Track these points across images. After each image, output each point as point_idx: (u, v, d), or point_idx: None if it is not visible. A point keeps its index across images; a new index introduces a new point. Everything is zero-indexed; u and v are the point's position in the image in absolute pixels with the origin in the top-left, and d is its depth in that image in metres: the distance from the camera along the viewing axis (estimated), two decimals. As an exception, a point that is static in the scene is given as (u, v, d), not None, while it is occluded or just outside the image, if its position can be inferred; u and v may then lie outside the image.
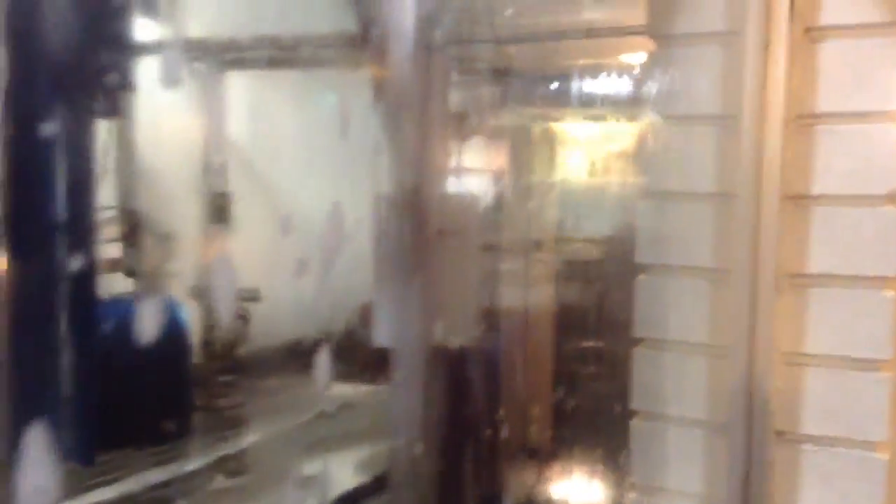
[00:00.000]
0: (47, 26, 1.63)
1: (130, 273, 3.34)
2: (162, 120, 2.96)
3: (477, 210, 3.00)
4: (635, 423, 1.87)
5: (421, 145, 2.46)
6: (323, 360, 2.72)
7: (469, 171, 2.89)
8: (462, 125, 2.68)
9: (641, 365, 1.86)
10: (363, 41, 2.55)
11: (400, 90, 2.33)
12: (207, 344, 3.76)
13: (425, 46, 2.32)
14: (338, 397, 3.42)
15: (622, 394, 1.90)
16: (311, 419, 3.44)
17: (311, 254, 2.91)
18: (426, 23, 2.28)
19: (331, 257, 3.05)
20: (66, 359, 1.92)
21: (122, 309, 2.80)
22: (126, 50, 2.35)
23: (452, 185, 2.75)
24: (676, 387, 1.82)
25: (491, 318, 3.06)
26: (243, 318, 3.86)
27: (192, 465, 3.28)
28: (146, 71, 2.43)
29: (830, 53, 1.70)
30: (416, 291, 2.40)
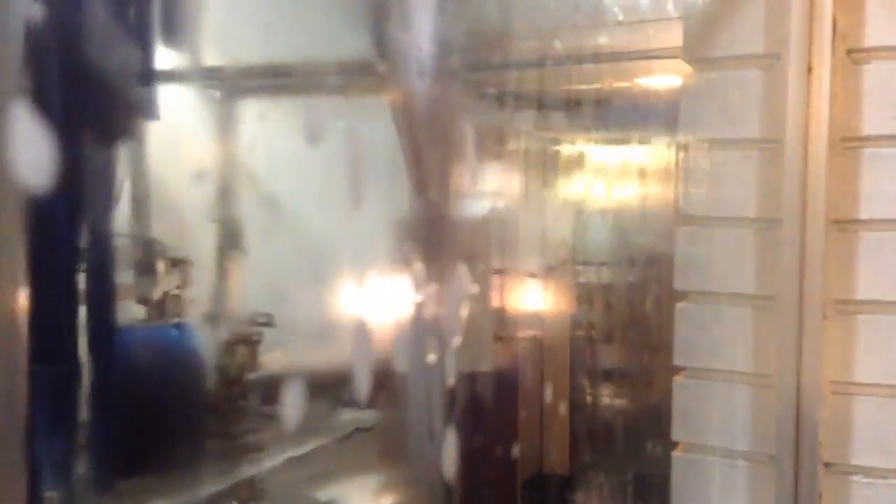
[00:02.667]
0: (68, 54, 1.60)
1: (143, 301, 3.30)
2: (176, 147, 2.93)
3: (499, 234, 2.97)
4: (677, 455, 1.83)
5: (442, 170, 2.43)
6: (337, 386, 2.67)
7: (492, 195, 2.87)
8: (486, 149, 2.65)
9: (682, 395, 1.82)
10: (380, 67, 2.52)
11: (417, 115, 2.31)
12: (221, 369, 3.71)
13: (445, 72, 2.29)
14: (353, 422, 3.38)
15: (662, 423, 1.86)
16: (327, 444, 3.40)
17: (327, 279, 2.88)
18: (445, 48, 2.25)
19: (347, 282, 3.02)
20: (84, 386, 1.88)
21: (138, 336, 2.76)
22: (146, 78, 2.32)
23: (474, 210, 2.72)
24: (720, 417, 1.77)
25: (515, 344, 3.03)
26: (257, 343, 3.81)
27: (207, 491, 3.23)
28: (162, 98, 2.41)
29: (874, 75, 1.67)
30: (434, 315, 2.36)
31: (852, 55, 1.67)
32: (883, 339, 1.65)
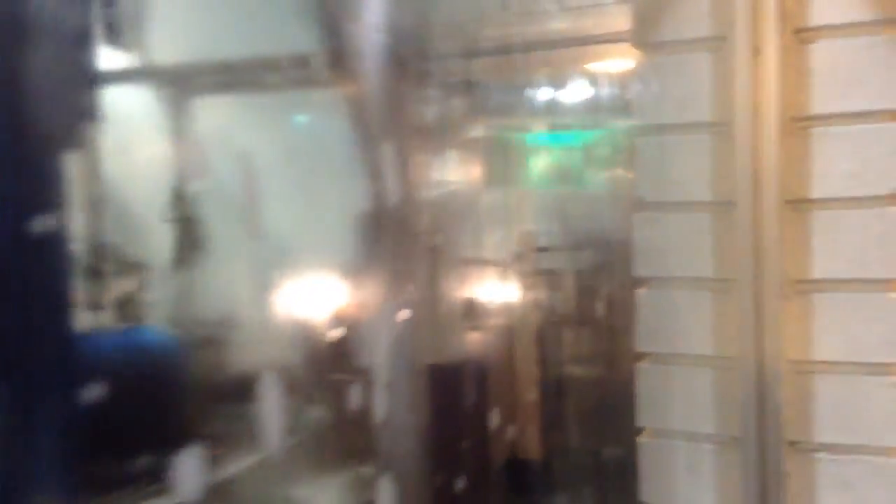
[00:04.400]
0: (14, 60, 1.56)
1: (95, 306, 3.25)
2: (128, 148, 2.88)
3: (459, 223, 2.96)
4: (643, 440, 1.83)
5: (398, 160, 2.41)
6: (306, 384, 2.65)
7: (449, 183, 2.85)
8: (441, 138, 2.63)
9: (646, 380, 1.82)
10: (332, 59, 2.49)
11: (371, 106, 2.29)
12: (185, 372, 3.67)
13: (396, 61, 2.27)
14: (321, 419, 3.36)
15: (625, 409, 1.86)
16: (296, 443, 3.37)
17: (288, 276, 2.85)
18: (396, 38, 2.23)
19: (308, 277, 2.99)
20: (45, 400, 1.84)
21: (100, 342, 2.71)
22: (92, 80, 2.27)
23: (431, 199, 2.70)
24: (684, 401, 1.78)
25: (479, 332, 3.02)
26: (220, 344, 3.77)
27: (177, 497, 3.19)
28: (112, 100, 2.36)
29: (822, 54, 1.67)
30: (400, 307, 2.35)
31: (799, 35, 1.67)
32: (841, 317, 1.66)
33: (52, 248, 1.92)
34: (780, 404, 1.67)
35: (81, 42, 2.10)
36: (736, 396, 1.71)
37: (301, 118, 3.08)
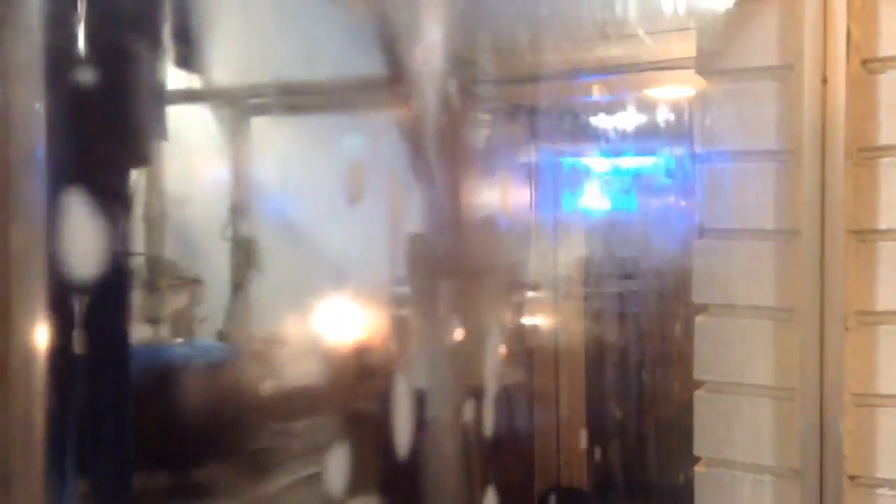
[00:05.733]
0: (83, 78, 1.61)
1: (153, 320, 3.30)
2: (189, 167, 2.94)
3: (513, 249, 2.96)
4: (699, 470, 1.81)
5: (452, 184, 2.43)
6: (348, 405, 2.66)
7: (502, 208, 2.86)
8: (496, 162, 2.64)
9: (704, 409, 1.81)
10: (390, 83, 2.53)
11: (427, 130, 2.31)
12: (234, 386, 3.71)
13: (452, 85, 2.29)
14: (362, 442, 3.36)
15: (683, 439, 1.84)
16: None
17: (340, 297, 2.87)
18: (453, 61, 2.25)
19: (359, 299, 3.01)
20: (100, 407, 1.87)
21: (153, 355, 2.76)
22: (158, 99, 2.33)
23: (484, 223, 2.71)
24: (742, 431, 1.76)
25: (529, 357, 3.01)
26: (270, 361, 3.81)
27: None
28: (174, 119, 2.42)
29: (890, 85, 1.66)
30: (450, 331, 2.35)
31: (867, 65, 1.66)
32: (905, 350, 1.63)
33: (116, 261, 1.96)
34: (840, 437, 1.65)
35: (154, 60, 2.16)
36: (795, 428, 1.69)
37: (360, 140, 3.11)
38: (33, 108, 0.90)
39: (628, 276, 3.32)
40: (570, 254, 3.34)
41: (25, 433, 0.87)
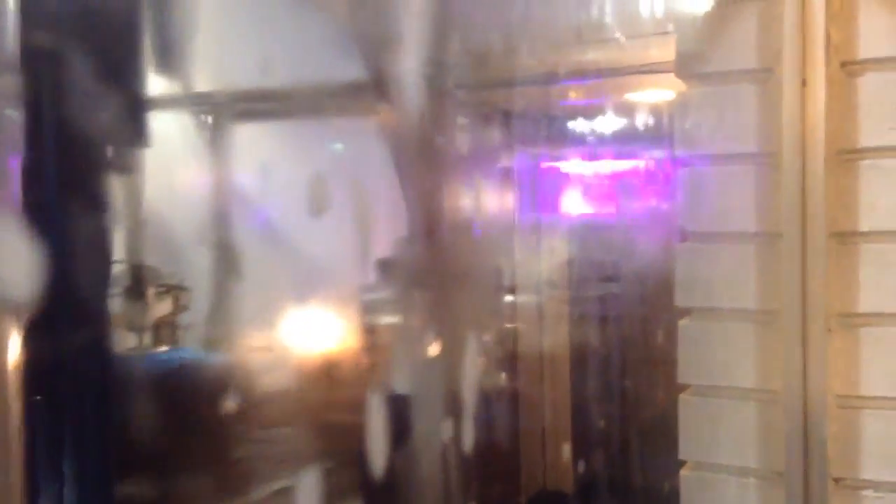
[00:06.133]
0: (62, 85, 1.59)
1: (133, 328, 3.27)
2: (171, 173, 2.91)
3: (495, 252, 2.96)
4: (685, 474, 1.81)
5: (434, 189, 2.42)
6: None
7: (485, 213, 2.86)
8: (478, 167, 2.64)
9: (688, 413, 1.81)
10: (371, 88, 2.52)
11: (409, 135, 2.30)
12: (216, 395, 3.69)
13: (433, 90, 2.28)
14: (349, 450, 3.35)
15: (669, 443, 1.84)
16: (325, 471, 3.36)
17: (320, 303, 2.86)
18: (434, 67, 2.24)
19: (341, 305, 3.00)
20: (84, 415, 1.86)
21: (133, 364, 2.73)
22: (139, 105, 2.31)
23: (467, 228, 2.71)
24: (726, 434, 1.76)
25: (515, 362, 3.01)
26: (251, 368, 3.78)
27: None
28: (156, 125, 2.40)
29: (869, 87, 1.66)
30: (433, 336, 2.35)
31: (846, 67, 1.67)
32: (887, 352, 1.64)
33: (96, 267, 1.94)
34: (824, 440, 1.65)
35: (135, 66, 2.14)
36: (780, 431, 1.69)
37: (339, 146, 3.10)
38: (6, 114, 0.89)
39: (610, 280, 3.32)
40: (552, 258, 3.34)
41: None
